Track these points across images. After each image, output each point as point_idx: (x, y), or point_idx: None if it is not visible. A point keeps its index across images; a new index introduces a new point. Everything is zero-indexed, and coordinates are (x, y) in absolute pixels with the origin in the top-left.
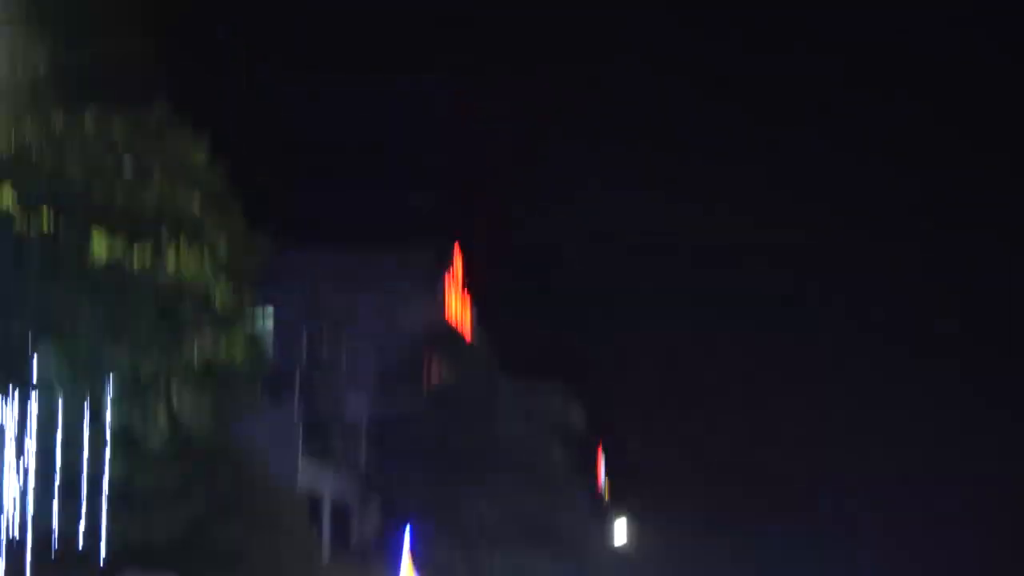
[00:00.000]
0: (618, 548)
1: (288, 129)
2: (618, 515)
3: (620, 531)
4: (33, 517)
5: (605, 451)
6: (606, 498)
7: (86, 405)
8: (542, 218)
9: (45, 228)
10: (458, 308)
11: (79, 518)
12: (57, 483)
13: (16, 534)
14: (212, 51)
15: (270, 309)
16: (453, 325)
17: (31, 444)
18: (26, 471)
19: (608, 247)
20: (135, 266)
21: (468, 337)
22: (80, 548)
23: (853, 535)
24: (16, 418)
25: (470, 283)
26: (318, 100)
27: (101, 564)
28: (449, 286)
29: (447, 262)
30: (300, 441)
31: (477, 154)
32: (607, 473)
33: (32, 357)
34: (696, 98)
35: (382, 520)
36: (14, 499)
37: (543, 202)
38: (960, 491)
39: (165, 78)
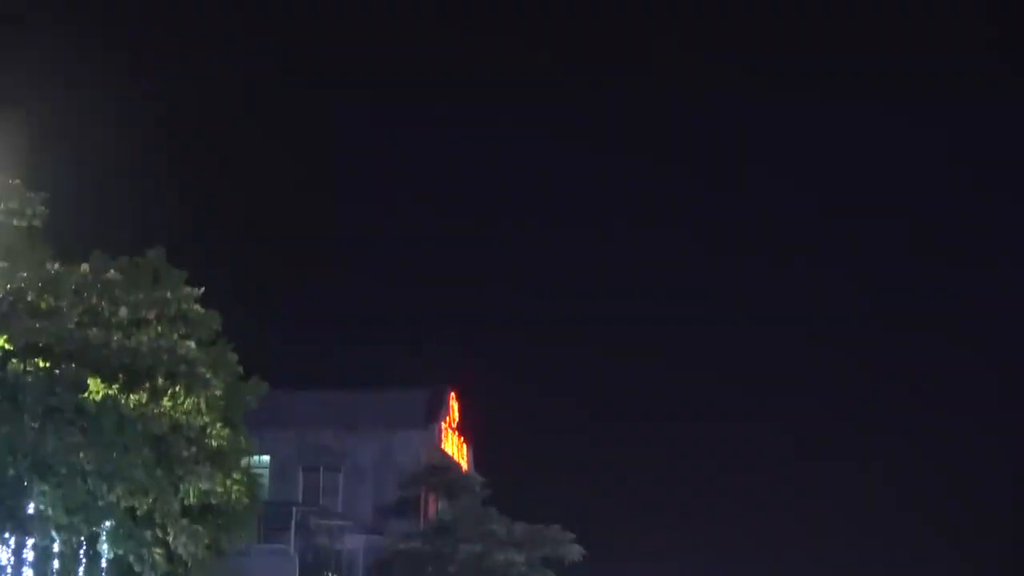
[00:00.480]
0: None
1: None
2: None
3: None
4: None
5: None
6: None
7: (82, 544)
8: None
9: (41, 370)
10: (455, 448)
11: None
12: None
13: None
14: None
15: (267, 447)
16: (449, 462)
17: None
18: None
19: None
20: (131, 407)
21: (464, 475)
22: None
23: None
24: (13, 557)
25: (466, 427)
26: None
27: None
28: (445, 427)
29: (443, 404)
30: (296, 575)
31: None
32: None
33: (29, 497)
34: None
35: None
36: None
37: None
38: None
39: (162, 226)
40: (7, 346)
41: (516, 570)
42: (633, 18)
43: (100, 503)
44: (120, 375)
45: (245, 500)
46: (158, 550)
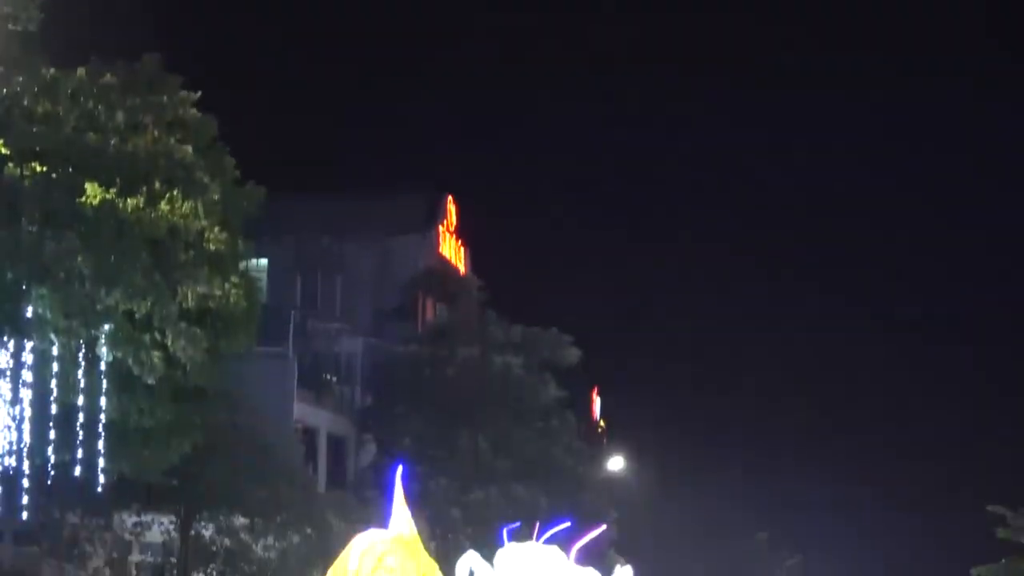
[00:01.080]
0: (613, 479)
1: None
2: (614, 451)
3: (616, 465)
4: (30, 452)
5: (601, 390)
6: (601, 432)
7: (81, 347)
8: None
9: (38, 175)
10: (452, 252)
11: (75, 455)
12: (53, 422)
13: (12, 467)
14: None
15: (264, 252)
16: (446, 267)
17: (27, 386)
18: (22, 410)
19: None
20: (128, 211)
21: (462, 280)
22: (77, 483)
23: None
24: (12, 360)
25: (464, 231)
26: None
27: (98, 499)
28: (443, 231)
29: (440, 208)
30: (295, 379)
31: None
32: (603, 410)
33: (27, 301)
34: None
35: (377, 455)
36: (10, 437)
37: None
38: None
39: (157, 30)
40: (4, 151)
41: (514, 373)
42: None
43: (98, 307)
44: (117, 179)
45: (243, 304)
46: (157, 353)
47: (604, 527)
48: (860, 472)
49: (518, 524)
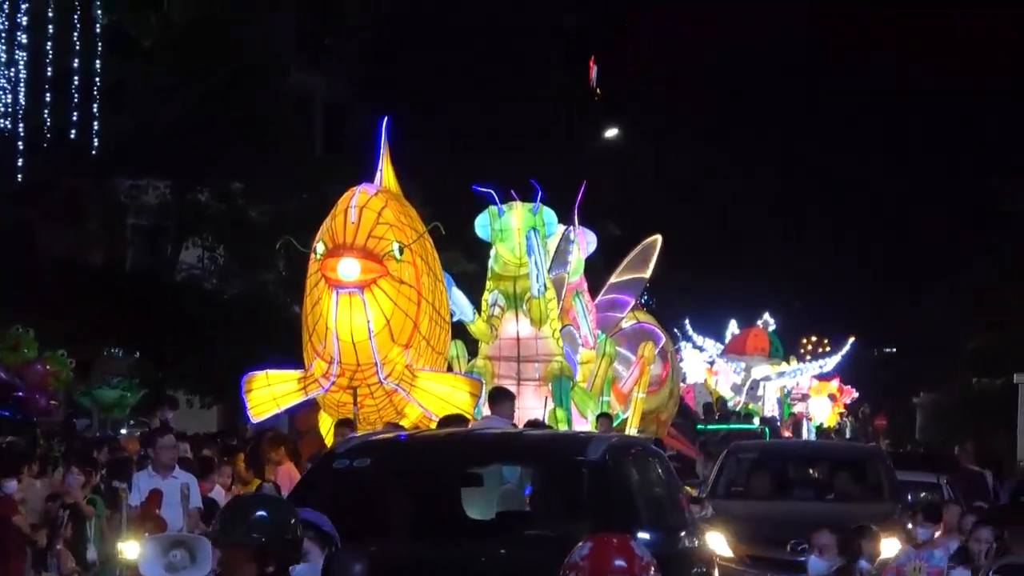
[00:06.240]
0: (610, 146)
1: None
2: (611, 121)
3: (612, 133)
4: (25, 115)
5: (598, 59)
6: (598, 101)
7: (76, 9)
8: None
9: None
10: None
11: (71, 117)
12: (49, 84)
13: (8, 129)
14: None
15: None
16: None
17: (22, 48)
18: (18, 72)
19: None
20: None
21: None
22: (73, 146)
23: None
24: (6, 22)
25: None
26: None
27: (94, 162)
28: None
29: None
30: (292, 42)
31: None
32: (599, 80)
33: None
34: None
35: (374, 119)
36: (5, 99)
37: None
38: None
39: None
40: None
41: (517, 38)
42: None
43: None
44: None
45: None
46: (153, 14)
47: (584, 184)
48: None
49: (490, 187)
